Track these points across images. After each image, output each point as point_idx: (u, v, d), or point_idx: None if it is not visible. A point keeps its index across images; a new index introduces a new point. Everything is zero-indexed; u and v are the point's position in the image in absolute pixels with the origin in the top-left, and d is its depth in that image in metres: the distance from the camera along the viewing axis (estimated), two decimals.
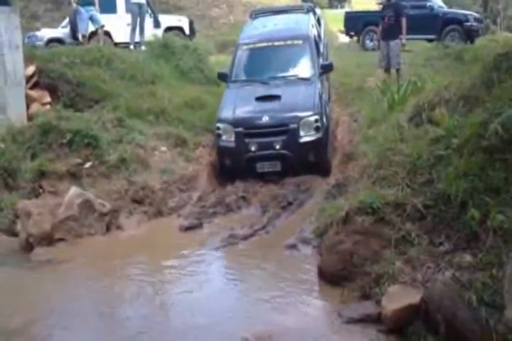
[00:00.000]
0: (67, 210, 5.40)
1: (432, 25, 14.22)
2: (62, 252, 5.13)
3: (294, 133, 6.63)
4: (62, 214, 5.38)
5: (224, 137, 6.85)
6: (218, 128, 6.93)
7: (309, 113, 6.72)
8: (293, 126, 6.64)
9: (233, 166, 6.80)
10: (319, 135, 6.70)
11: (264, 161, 6.64)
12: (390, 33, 9.63)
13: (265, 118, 6.72)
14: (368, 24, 15.10)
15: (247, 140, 6.70)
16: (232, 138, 6.78)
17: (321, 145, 6.74)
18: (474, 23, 14.46)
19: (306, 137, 6.67)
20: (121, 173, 6.26)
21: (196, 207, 6.09)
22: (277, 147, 6.61)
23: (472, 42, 14.07)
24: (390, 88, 7.64)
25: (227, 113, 7.02)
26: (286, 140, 6.61)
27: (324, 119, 6.87)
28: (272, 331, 3.51)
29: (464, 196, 3.77)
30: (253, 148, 6.66)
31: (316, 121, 6.69)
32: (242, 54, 7.84)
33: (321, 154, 6.71)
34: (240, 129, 6.74)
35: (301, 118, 6.68)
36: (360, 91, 9.23)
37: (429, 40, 14.58)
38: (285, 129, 6.64)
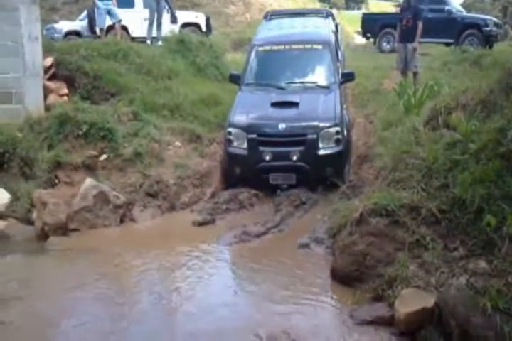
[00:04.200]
0: (82, 201, 5.47)
1: (450, 29, 14.18)
2: (77, 242, 5.19)
3: (313, 145, 6.22)
4: (77, 205, 5.44)
5: (235, 143, 6.44)
6: (229, 133, 6.49)
7: (330, 124, 6.31)
8: (312, 136, 6.22)
9: (243, 175, 6.36)
10: (339, 148, 6.29)
11: (279, 173, 6.22)
12: (408, 35, 9.60)
13: (281, 126, 6.28)
14: (385, 26, 15.10)
15: (261, 148, 6.27)
16: (245, 145, 6.37)
17: (340, 160, 6.33)
18: (493, 28, 14.39)
19: (326, 149, 6.26)
20: (135, 167, 6.29)
21: (209, 202, 6.12)
22: (294, 158, 6.18)
23: (491, 47, 14.01)
24: (406, 91, 7.62)
25: (239, 117, 6.58)
26: (303, 151, 6.19)
27: (345, 131, 6.46)
28: (283, 329, 3.52)
29: (480, 202, 3.76)
30: (267, 158, 6.22)
31: (337, 133, 6.28)
32: (257, 56, 7.47)
33: (339, 169, 6.25)
34: (254, 136, 6.32)
35: (321, 128, 6.27)
36: (376, 93, 9.23)
37: (447, 44, 14.54)
38: (303, 139, 6.22)
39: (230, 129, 6.53)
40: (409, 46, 9.55)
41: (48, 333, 3.77)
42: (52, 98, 7.58)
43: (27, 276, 4.50)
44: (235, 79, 7.47)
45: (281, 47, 7.43)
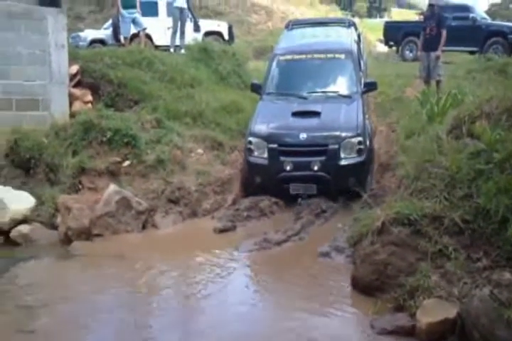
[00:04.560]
0: (105, 207, 5.54)
1: (475, 37, 14.06)
2: (99, 247, 5.26)
3: (334, 155, 6.15)
4: (100, 210, 5.52)
5: (256, 153, 6.41)
6: (250, 143, 6.48)
7: (352, 133, 6.26)
8: (333, 146, 6.16)
9: (264, 185, 6.31)
10: (362, 158, 6.22)
11: (299, 183, 6.16)
12: (431, 43, 9.55)
13: (303, 136, 6.24)
14: (408, 34, 15.01)
15: (282, 158, 6.22)
16: (265, 155, 6.33)
17: (363, 170, 6.24)
18: None
19: (347, 160, 6.20)
20: (158, 173, 6.35)
21: (230, 210, 6.15)
22: (315, 168, 6.12)
23: None
24: (429, 99, 7.57)
25: (260, 127, 6.56)
26: (324, 161, 6.12)
27: (368, 142, 6.39)
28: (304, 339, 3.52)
29: (505, 212, 3.73)
30: (288, 168, 6.17)
31: (360, 143, 6.22)
32: (279, 65, 7.46)
33: (361, 180, 6.11)
34: (275, 146, 6.28)
35: (343, 138, 6.21)
36: (398, 101, 9.18)
37: (471, 53, 14.40)
38: (324, 149, 6.16)
39: (250, 138, 6.53)
40: (433, 54, 9.50)
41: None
42: (77, 105, 7.71)
43: (52, 282, 4.56)
44: (257, 89, 7.46)
45: (303, 56, 7.41)
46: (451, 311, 3.37)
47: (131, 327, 3.83)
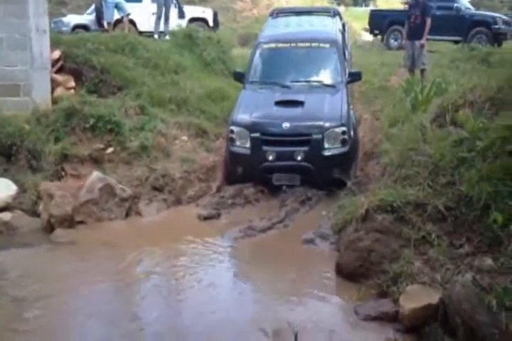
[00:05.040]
0: (88, 194, 5.49)
1: (459, 26, 14.14)
2: (82, 235, 5.20)
3: (318, 145, 6.07)
4: (83, 198, 5.46)
5: (238, 142, 6.29)
6: (232, 132, 6.36)
7: (336, 123, 6.16)
8: (317, 136, 6.07)
9: (246, 176, 6.21)
10: (346, 149, 6.13)
11: (282, 173, 6.09)
12: (416, 32, 9.59)
13: (286, 125, 6.13)
14: (393, 23, 15.05)
15: (264, 148, 6.12)
16: (248, 145, 6.22)
17: (347, 161, 6.16)
18: (502, 26, 14.31)
19: (331, 150, 6.10)
20: (142, 160, 6.32)
21: (215, 197, 6.11)
22: (298, 158, 6.04)
23: (500, 45, 13.94)
24: (413, 88, 7.60)
25: (243, 116, 6.43)
26: (308, 151, 6.04)
27: (351, 132, 6.30)
28: (288, 323, 3.52)
29: (487, 199, 3.77)
30: (271, 158, 6.08)
31: (344, 133, 6.13)
32: (262, 54, 7.32)
33: (345, 171, 6.02)
34: (257, 135, 6.16)
35: (326, 128, 6.11)
36: (383, 90, 9.22)
37: (455, 42, 14.48)
38: (308, 139, 6.08)
39: (232, 128, 6.40)
40: (417, 43, 9.54)
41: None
42: (59, 91, 7.59)
43: (34, 271, 4.49)
44: (239, 77, 7.34)
45: (287, 45, 7.30)
46: (434, 297, 3.41)
47: (118, 316, 3.81)
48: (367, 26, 17.84)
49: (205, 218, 5.62)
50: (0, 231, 5.34)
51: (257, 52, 7.39)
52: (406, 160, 4.67)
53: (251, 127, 6.27)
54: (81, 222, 5.41)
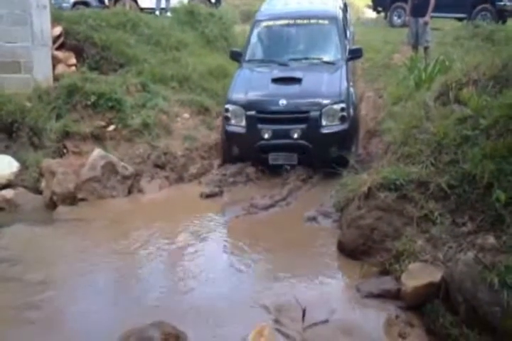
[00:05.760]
0: (90, 171, 5.49)
1: (463, 3, 13.88)
2: (85, 212, 5.22)
3: (316, 122, 5.89)
4: (85, 175, 5.47)
5: (233, 121, 6.14)
6: (227, 110, 6.19)
7: (334, 100, 5.98)
8: (314, 113, 5.90)
9: (241, 155, 6.11)
10: (344, 126, 5.96)
11: (279, 152, 5.95)
12: (420, 9, 9.42)
13: (282, 103, 5.96)
14: (396, 0, 14.78)
15: (259, 126, 5.96)
16: (243, 123, 6.06)
17: (346, 139, 6.00)
18: (508, 3, 14.04)
19: (330, 127, 5.93)
20: (143, 138, 6.30)
21: (217, 175, 6.10)
22: (295, 136, 5.88)
23: (504, 22, 13.71)
24: (417, 66, 7.53)
25: (238, 94, 6.27)
26: (305, 129, 5.87)
27: (351, 109, 6.13)
28: (290, 301, 3.55)
29: (490, 177, 3.74)
30: (266, 136, 5.93)
31: (342, 109, 5.95)
32: (260, 32, 7.13)
33: (345, 149, 5.83)
34: (253, 113, 6.00)
35: (324, 105, 5.94)
36: (386, 67, 9.12)
37: (460, 19, 14.27)
38: (305, 117, 5.90)
39: (227, 106, 6.24)
40: (421, 20, 9.39)
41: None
42: (60, 68, 7.53)
43: (37, 248, 4.52)
44: (236, 56, 7.17)
45: (285, 21, 7.09)
46: (435, 275, 3.42)
47: (122, 292, 3.87)
48: (370, 3, 17.56)
49: (207, 196, 5.62)
50: (2, 208, 5.39)
51: (255, 31, 7.22)
52: (409, 138, 4.64)
53: (246, 105, 6.12)
54: (83, 200, 5.43)
